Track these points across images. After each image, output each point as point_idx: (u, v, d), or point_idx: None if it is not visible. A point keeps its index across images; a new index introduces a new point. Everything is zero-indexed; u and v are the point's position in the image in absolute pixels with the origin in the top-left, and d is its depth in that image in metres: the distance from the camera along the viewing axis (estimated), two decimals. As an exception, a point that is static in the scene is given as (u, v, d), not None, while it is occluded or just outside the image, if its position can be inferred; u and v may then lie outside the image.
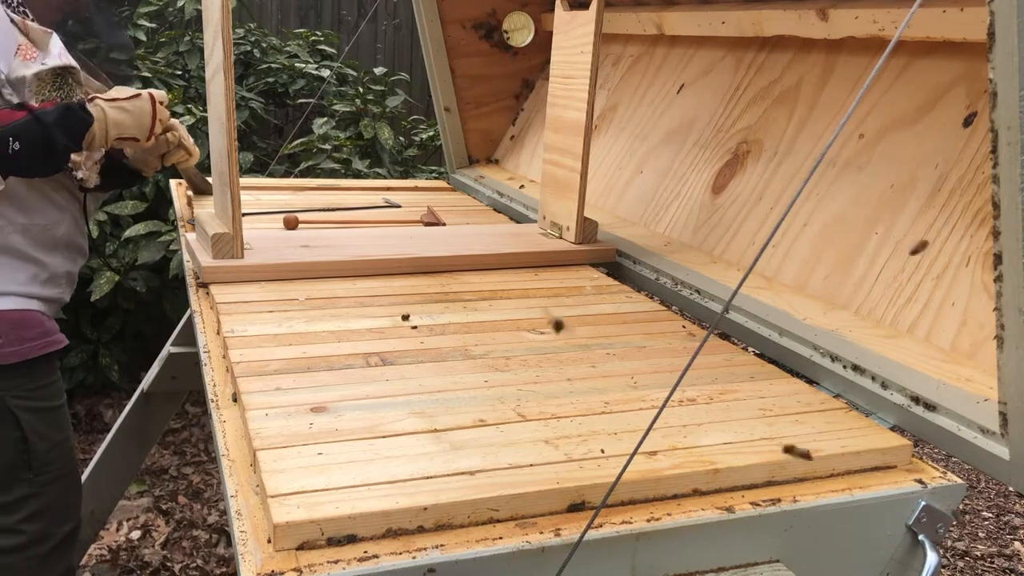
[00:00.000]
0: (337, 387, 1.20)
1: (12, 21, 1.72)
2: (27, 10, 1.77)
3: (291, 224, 2.08)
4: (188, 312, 2.20)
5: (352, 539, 0.89)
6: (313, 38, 4.86)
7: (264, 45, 4.50)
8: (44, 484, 1.85)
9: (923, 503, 1.07)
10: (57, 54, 1.76)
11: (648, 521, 0.97)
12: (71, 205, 1.90)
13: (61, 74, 1.75)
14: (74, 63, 1.78)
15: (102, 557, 2.82)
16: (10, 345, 1.76)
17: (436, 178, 3.83)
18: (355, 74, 4.57)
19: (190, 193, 2.31)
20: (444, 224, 2.23)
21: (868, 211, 1.48)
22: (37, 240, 1.81)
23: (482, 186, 2.63)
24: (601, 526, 0.95)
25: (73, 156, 1.78)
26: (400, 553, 0.88)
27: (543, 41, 2.70)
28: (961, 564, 3.16)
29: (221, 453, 1.09)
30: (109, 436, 2.61)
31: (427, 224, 2.22)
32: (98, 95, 1.80)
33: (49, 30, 1.77)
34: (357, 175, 3.69)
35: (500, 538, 0.92)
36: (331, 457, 1.01)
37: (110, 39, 2.13)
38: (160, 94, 1.90)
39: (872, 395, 1.25)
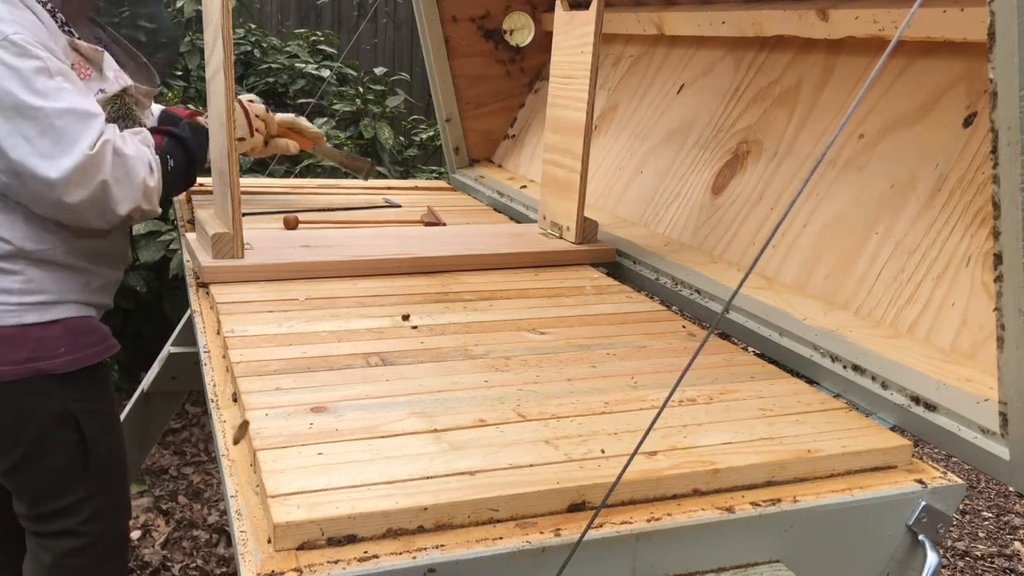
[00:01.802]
0: (337, 387, 1.20)
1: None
2: (72, 29, 1.79)
3: (291, 224, 2.08)
4: (188, 312, 2.20)
5: (352, 539, 0.89)
6: (313, 38, 4.86)
7: (264, 45, 4.50)
8: (101, 485, 1.88)
9: (923, 503, 1.07)
10: (114, 77, 1.81)
11: (648, 521, 0.97)
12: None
13: (119, 95, 1.79)
14: (130, 81, 1.82)
15: (102, 557, 2.82)
16: (70, 353, 1.78)
17: (436, 178, 3.83)
18: (355, 74, 4.57)
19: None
20: (444, 224, 2.23)
21: (868, 211, 1.48)
22: (84, 254, 1.83)
23: (482, 186, 2.63)
24: (601, 526, 0.95)
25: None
26: (400, 553, 0.88)
27: (543, 41, 2.70)
28: (961, 564, 3.16)
29: (221, 453, 1.09)
30: (109, 436, 2.61)
31: (427, 224, 2.22)
32: (198, 113, 1.99)
33: (100, 48, 1.80)
34: (357, 174, 3.68)
35: (500, 538, 0.92)
36: (331, 457, 1.01)
37: (157, 26, 2.16)
38: (246, 96, 2.13)
39: (872, 395, 1.25)
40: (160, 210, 1.88)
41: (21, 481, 1.81)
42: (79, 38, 1.77)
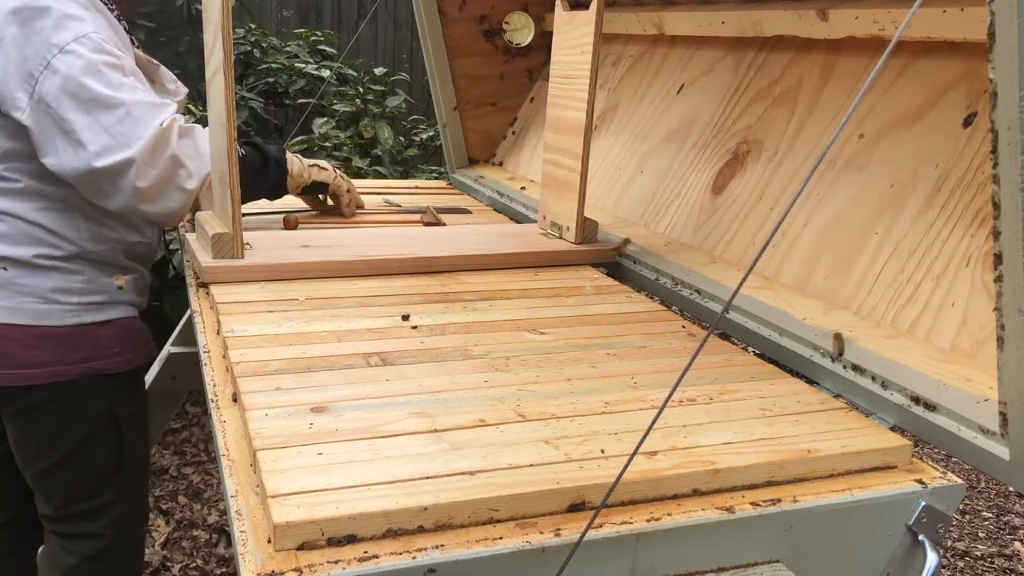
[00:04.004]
0: (337, 387, 1.20)
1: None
2: (133, 37, 1.81)
3: (291, 224, 2.08)
4: (188, 312, 2.20)
5: (352, 539, 0.90)
6: (313, 38, 4.86)
7: (264, 45, 4.50)
8: (127, 489, 1.89)
9: (923, 503, 1.07)
10: (174, 89, 1.85)
11: (648, 521, 0.97)
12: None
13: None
14: (185, 91, 1.88)
15: (102, 557, 2.82)
16: (123, 353, 1.80)
17: (436, 178, 3.83)
18: (355, 74, 4.57)
19: None
20: (444, 224, 2.23)
21: (868, 211, 1.48)
22: (135, 255, 1.86)
23: (482, 186, 2.63)
24: (601, 526, 0.95)
25: None
26: (400, 553, 0.88)
27: (543, 41, 2.70)
28: (961, 564, 3.16)
29: (221, 453, 1.09)
30: (109, 436, 2.61)
31: (427, 224, 2.22)
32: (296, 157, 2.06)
33: (156, 61, 1.83)
34: (357, 174, 3.69)
35: (500, 538, 0.92)
36: (331, 457, 1.01)
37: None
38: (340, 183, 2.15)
39: (872, 395, 1.25)
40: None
41: (56, 481, 1.81)
42: (137, 47, 1.80)
